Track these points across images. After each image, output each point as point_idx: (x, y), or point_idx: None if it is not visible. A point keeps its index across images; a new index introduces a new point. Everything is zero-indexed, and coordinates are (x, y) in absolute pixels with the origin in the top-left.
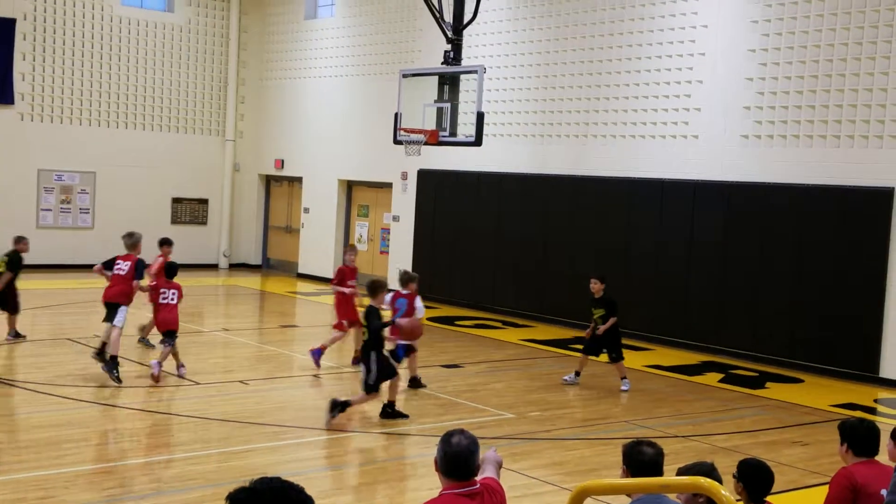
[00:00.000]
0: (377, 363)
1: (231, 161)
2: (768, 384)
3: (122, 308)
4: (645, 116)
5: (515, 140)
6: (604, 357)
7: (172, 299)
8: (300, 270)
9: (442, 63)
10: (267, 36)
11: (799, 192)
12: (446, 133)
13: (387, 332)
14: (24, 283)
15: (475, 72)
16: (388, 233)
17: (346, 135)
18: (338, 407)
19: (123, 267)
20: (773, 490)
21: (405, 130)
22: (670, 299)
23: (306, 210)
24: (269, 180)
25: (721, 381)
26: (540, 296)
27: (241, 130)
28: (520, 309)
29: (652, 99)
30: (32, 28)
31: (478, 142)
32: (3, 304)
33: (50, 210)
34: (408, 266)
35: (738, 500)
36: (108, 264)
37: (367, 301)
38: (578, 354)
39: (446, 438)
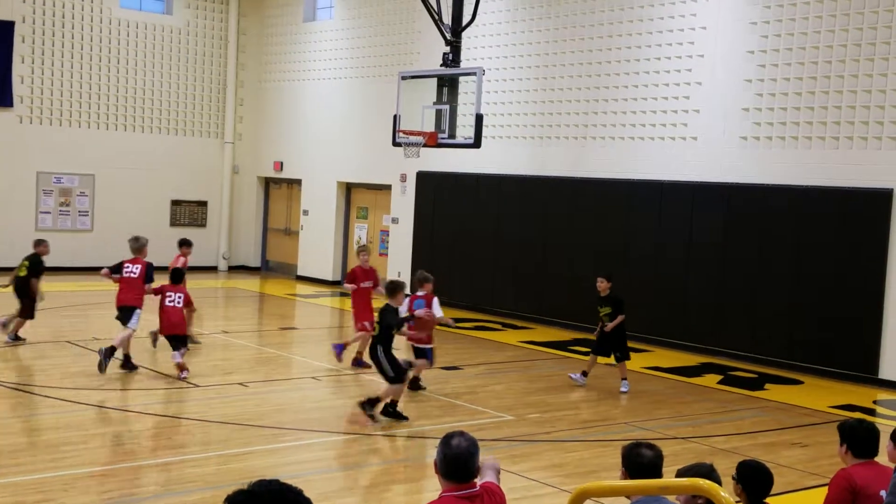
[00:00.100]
0: (385, 357)
1: (230, 163)
2: (767, 386)
3: (137, 311)
4: (644, 118)
5: (514, 142)
6: (610, 359)
7: (178, 302)
8: (299, 273)
9: (441, 65)
10: (266, 38)
11: (798, 194)
12: (445, 135)
13: (406, 330)
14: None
15: (474, 74)
16: (388, 235)
17: (345, 137)
18: (368, 406)
19: (134, 270)
20: (772, 492)
21: (404, 132)
22: (669, 301)
23: (305, 212)
24: (268, 182)
25: (720, 382)
26: (539, 297)
27: (240, 133)
28: (519, 311)
29: (651, 101)
30: (31, 31)
31: (477, 144)
32: (26, 308)
33: (49, 213)
34: (406, 273)
35: (737, 502)
36: (116, 268)
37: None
38: (577, 356)
39: (446, 440)
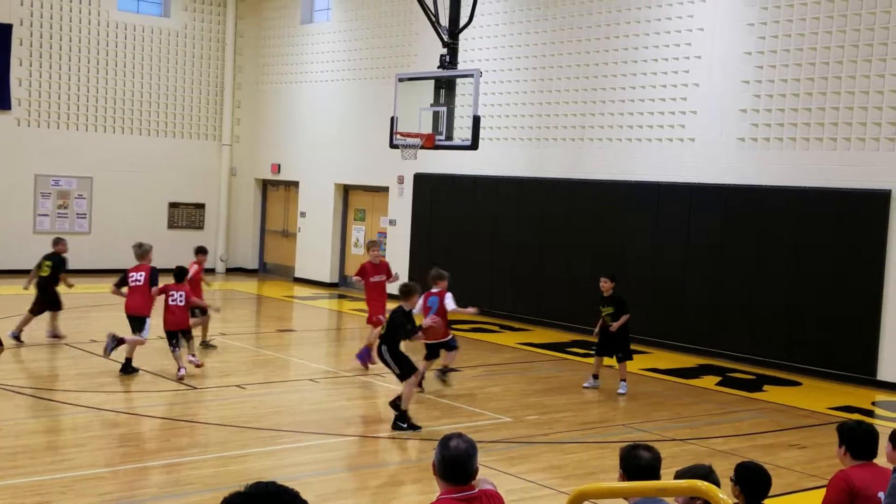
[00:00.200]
0: (391, 356)
1: (227, 165)
2: (766, 387)
3: (147, 321)
4: (641, 120)
5: (512, 144)
6: (612, 360)
7: (180, 301)
8: (297, 275)
9: (438, 67)
10: (263, 40)
11: (796, 195)
12: (442, 137)
13: (418, 336)
14: (23, 288)
15: (471, 75)
16: (385, 237)
17: (343, 139)
18: (401, 420)
19: (139, 278)
20: (770, 493)
21: (401, 134)
22: (667, 302)
23: (303, 214)
24: (265, 185)
25: (718, 384)
26: (537, 299)
27: (238, 135)
28: (517, 312)
29: (648, 102)
30: (29, 33)
31: (474, 145)
32: (54, 303)
33: (47, 215)
34: (404, 276)
35: None
36: (121, 282)
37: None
38: (576, 357)
39: (444, 442)
